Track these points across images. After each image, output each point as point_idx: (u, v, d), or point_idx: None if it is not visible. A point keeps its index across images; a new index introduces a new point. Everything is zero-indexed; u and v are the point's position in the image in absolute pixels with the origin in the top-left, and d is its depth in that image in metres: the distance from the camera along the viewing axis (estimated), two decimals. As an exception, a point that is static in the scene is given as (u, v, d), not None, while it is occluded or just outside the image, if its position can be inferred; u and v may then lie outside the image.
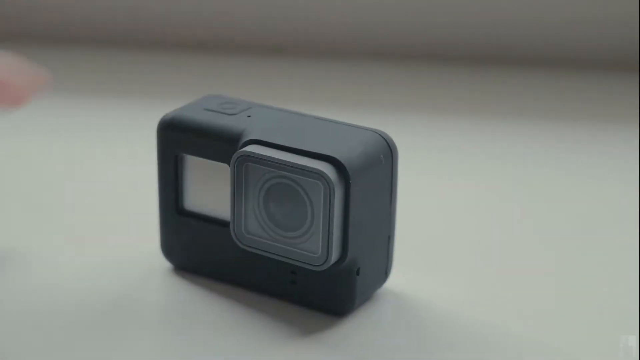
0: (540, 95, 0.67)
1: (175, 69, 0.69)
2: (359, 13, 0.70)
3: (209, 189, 0.40)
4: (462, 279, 0.43)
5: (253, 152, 0.37)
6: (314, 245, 0.37)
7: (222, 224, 0.40)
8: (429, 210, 0.50)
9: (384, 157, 0.38)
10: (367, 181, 0.37)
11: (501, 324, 0.40)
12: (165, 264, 0.42)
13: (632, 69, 0.68)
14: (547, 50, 0.70)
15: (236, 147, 0.38)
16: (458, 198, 0.52)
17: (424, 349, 0.39)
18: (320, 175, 0.36)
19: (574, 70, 0.69)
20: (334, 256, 0.37)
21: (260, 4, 0.71)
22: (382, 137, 0.38)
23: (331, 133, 0.38)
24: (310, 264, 0.37)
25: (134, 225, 0.47)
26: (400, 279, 0.42)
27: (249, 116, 0.39)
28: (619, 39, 0.69)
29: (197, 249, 0.41)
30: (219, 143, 0.39)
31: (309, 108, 0.42)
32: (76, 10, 0.71)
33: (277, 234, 0.38)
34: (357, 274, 0.38)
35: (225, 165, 0.39)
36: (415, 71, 0.70)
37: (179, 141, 0.40)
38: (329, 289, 0.38)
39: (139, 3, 0.71)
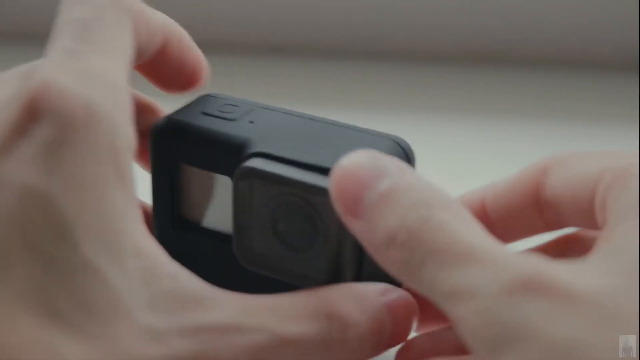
0: (540, 95, 0.67)
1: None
2: (359, 13, 0.70)
3: (208, 201, 0.37)
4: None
5: (259, 168, 0.33)
6: (326, 265, 0.34)
7: (223, 238, 0.37)
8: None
9: None
10: None
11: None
12: None
13: (632, 69, 0.68)
14: (547, 50, 0.70)
15: (239, 159, 0.34)
16: (458, 198, 0.52)
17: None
18: None
19: (574, 70, 0.69)
20: (348, 277, 0.34)
21: (260, 4, 0.71)
22: (400, 144, 0.36)
23: (344, 142, 0.35)
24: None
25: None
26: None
27: (251, 122, 0.36)
28: (619, 39, 0.69)
29: (196, 264, 0.36)
30: (219, 153, 0.35)
31: (310, 108, 0.42)
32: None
33: (285, 254, 0.34)
34: None
35: (226, 177, 0.35)
36: (415, 71, 0.70)
37: (175, 150, 0.36)
38: None
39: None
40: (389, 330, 0.32)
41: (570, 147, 0.59)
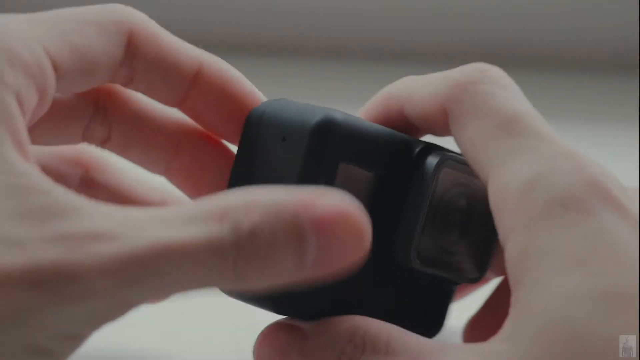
0: (540, 95, 0.67)
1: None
2: (359, 13, 0.70)
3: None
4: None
5: (454, 155, 0.33)
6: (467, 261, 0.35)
7: None
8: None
9: None
10: None
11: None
12: None
13: (632, 69, 0.68)
14: (547, 50, 0.70)
15: (401, 156, 0.34)
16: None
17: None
18: None
19: (574, 70, 0.69)
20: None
21: (260, 4, 0.71)
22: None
23: None
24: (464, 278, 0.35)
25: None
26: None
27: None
28: (619, 39, 0.69)
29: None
30: (385, 150, 0.34)
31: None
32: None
33: (444, 249, 0.34)
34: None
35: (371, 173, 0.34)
36: (415, 71, 0.69)
37: (342, 150, 0.33)
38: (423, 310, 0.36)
39: (139, 3, 0.71)
40: (312, 247, 0.26)
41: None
